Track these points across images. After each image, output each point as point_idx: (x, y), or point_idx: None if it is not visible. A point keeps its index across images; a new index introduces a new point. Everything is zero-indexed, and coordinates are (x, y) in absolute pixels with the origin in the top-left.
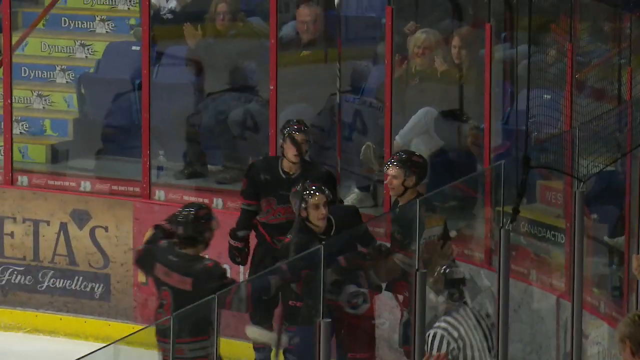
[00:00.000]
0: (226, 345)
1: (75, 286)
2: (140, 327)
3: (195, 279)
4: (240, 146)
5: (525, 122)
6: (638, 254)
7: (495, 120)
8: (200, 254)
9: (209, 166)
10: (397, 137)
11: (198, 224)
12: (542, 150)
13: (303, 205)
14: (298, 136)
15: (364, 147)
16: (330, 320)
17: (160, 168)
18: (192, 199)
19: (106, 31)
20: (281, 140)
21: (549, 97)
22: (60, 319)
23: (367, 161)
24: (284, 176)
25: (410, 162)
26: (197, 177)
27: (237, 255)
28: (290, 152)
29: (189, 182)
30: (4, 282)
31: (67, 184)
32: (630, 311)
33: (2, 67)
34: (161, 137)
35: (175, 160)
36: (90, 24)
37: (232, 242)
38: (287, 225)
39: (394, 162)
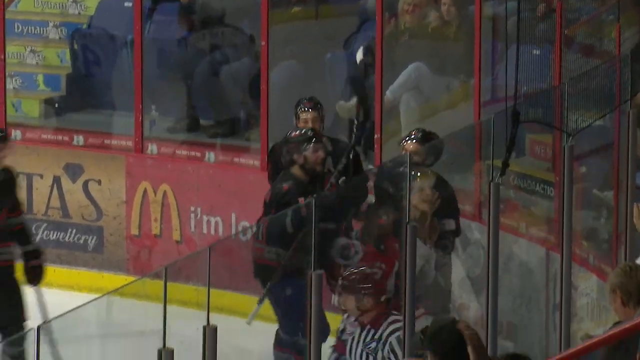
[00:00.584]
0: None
1: (68, 238)
2: (132, 278)
3: (270, 195)
4: (232, 101)
5: (515, 78)
6: (635, 205)
7: (484, 76)
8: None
9: (201, 120)
10: (387, 93)
11: (283, 145)
12: (532, 105)
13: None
14: (309, 114)
15: (354, 101)
16: (322, 271)
17: (152, 122)
18: (184, 152)
19: None
20: (295, 120)
21: (538, 52)
22: (54, 271)
23: (350, 115)
24: None
25: (430, 140)
26: (189, 131)
27: None
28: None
29: (181, 136)
30: None
31: (60, 138)
32: (620, 263)
33: None
34: (153, 91)
35: (167, 115)
36: None
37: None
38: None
39: (415, 138)
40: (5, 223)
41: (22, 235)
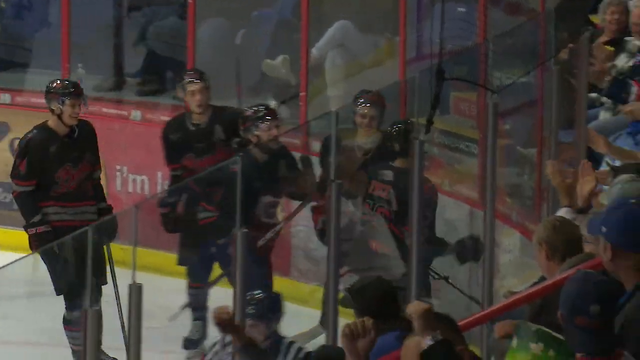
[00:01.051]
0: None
1: None
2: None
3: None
4: (159, 59)
5: (440, 35)
6: (549, 161)
7: (410, 34)
8: None
9: (127, 78)
10: (313, 50)
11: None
12: (456, 62)
13: (181, 93)
14: (196, 85)
15: (280, 59)
16: (247, 230)
17: (79, 80)
18: (111, 111)
19: None
20: (182, 94)
21: (463, 10)
22: None
23: (276, 73)
24: (193, 128)
25: (381, 101)
26: (116, 89)
27: (165, 221)
28: (193, 103)
29: (108, 94)
30: None
31: None
32: (543, 218)
33: None
34: (80, 49)
35: (94, 73)
36: None
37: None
38: (217, 174)
39: (369, 102)
40: (89, 177)
41: (99, 189)
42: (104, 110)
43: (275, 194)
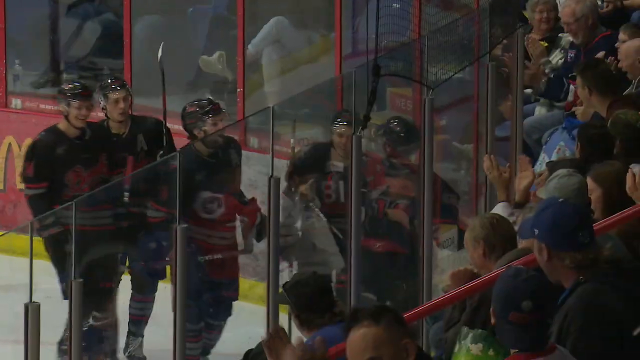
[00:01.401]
0: None
1: None
2: None
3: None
4: (96, 55)
5: (375, 31)
6: (486, 156)
7: (345, 30)
8: None
9: (65, 75)
10: (249, 46)
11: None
12: (392, 58)
13: (102, 103)
14: (119, 93)
15: (216, 55)
16: (186, 225)
17: (16, 77)
18: (49, 107)
19: None
20: (102, 102)
21: (398, 6)
22: None
23: (212, 69)
24: (113, 139)
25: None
26: (53, 85)
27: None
28: (114, 112)
29: (45, 90)
30: None
31: None
32: (480, 214)
33: None
34: (18, 45)
35: (31, 69)
36: None
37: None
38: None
39: (348, 121)
40: (105, 181)
41: None
42: (42, 106)
43: (214, 189)
